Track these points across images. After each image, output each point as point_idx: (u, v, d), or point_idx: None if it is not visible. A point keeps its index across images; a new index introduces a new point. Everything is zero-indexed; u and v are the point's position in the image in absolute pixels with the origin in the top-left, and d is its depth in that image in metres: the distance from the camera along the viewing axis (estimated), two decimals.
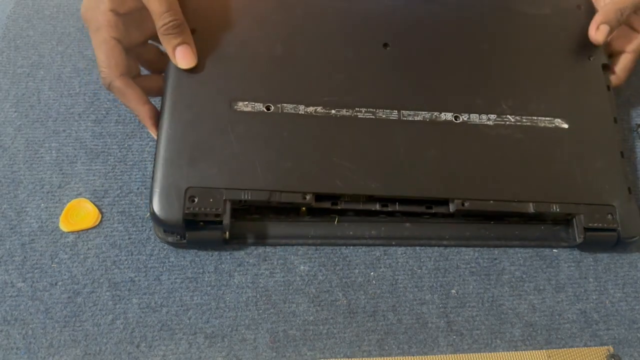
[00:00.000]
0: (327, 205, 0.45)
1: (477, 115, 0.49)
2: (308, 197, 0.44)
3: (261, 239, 0.46)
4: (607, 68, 0.53)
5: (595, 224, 0.46)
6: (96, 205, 0.47)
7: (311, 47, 0.49)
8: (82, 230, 0.46)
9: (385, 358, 0.43)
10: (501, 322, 0.45)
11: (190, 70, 0.46)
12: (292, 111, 0.46)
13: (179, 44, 0.45)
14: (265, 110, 0.46)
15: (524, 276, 0.47)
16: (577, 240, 0.47)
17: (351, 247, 0.47)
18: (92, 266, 0.45)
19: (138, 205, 0.47)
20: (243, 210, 0.46)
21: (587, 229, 0.47)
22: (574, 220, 0.47)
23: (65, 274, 0.44)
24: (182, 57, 0.45)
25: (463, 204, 0.45)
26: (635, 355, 0.45)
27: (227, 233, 0.44)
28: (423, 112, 0.48)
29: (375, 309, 0.45)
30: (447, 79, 0.50)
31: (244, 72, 0.47)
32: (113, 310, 0.43)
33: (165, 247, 0.46)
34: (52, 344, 0.42)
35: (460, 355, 0.44)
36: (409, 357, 0.43)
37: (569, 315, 0.46)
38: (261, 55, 0.48)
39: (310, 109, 0.46)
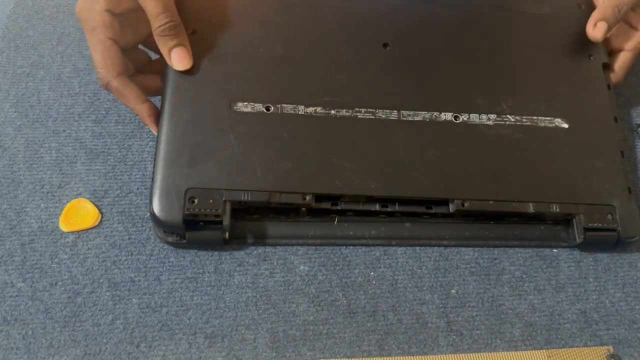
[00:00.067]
0: (327, 205, 0.45)
1: (477, 115, 0.48)
2: (308, 197, 0.44)
3: (261, 239, 0.46)
4: (608, 67, 0.53)
5: (595, 224, 0.46)
6: (96, 205, 0.47)
7: (311, 47, 0.49)
8: (82, 230, 0.46)
9: (385, 358, 0.43)
10: (501, 322, 0.45)
11: (190, 71, 0.46)
12: (292, 111, 0.46)
13: (174, 46, 0.45)
14: (265, 111, 0.46)
15: (524, 276, 0.47)
16: (577, 240, 0.47)
17: (351, 247, 0.47)
18: (92, 266, 0.45)
19: (138, 205, 0.47)
20: (243, 211, 0.46)
21: (587, 229, 0.47)
22: (574, 220, 0.47)
23: (65, 274, 0.44)
24: (178, 59, 0.45)
25: (463, 204, 0.45)
26: (635, 355, 0.45)
27: (227, 233, 0.44)
28: (423, 112, 0.48)
29: (375, 309, 0.45)
30: (447, 79, 0.50)
31: (243, 73, 0.47)
32: (113, 310, 0.43)
33: (165, 247, 0.46)
34: (52, 344, 0.42)
35: (460, 355, 0.44)
36: (409, 357, 0.43)
37: (569, 315, 0.46)
38: (261, 56, 0.48)
39: (310, 109, 0.46)
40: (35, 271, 0.44)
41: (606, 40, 0.53)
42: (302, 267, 0.46)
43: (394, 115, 0.47)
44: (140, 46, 0.49)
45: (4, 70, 0.53)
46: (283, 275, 0.46)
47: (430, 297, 0.46)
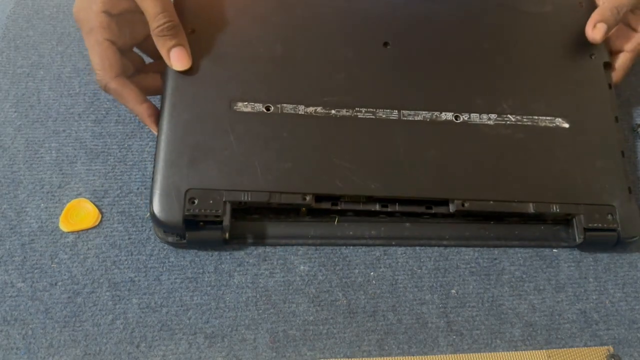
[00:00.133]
0: (327, 205, 0.45)
1: (478, 115, 0.48)
2: (308, 198, 0.44)
3: (261, 239, 0.46)
4: (609, 66, 0.52)
5: (595, 224, 0.46)
6: (96, 205, 0.47)
7: (311, 47, 0.49)
8: (82, 230, 0.46)
9: (385, 358, 0.43)
10: (501, 322, 0.45)
11: (190, 71, 0.46)
12: (292, 111, 0.46)
13: (173, 46, 0.45)
14: (265, 111, 0.46)
15: (524, 276, 0.47)
16: (577, 240, 0.47)
17: (351, 247, 0.47)
18: (92, 266, 0.45)
19: (138, 205, 0.47)
20: (243, 211, 0.46)
21: (587, 229, 0.47)
22: (574, 220, 0.47)
23: (65, 274, 0.44)
24: (177, 59, 0.45)
25: (463, 205, 0.45)
26: (635, 355, 0.45)
27: (227, 233, 0.44)
28: (423, 112, 0.48)
29: (375, 309, 0.45)
30: (447, 79, 0.50)
31: (243, 73, 0.47)
32: (113, 310, 0.43)
33: (165, 247, 0.46)
34: (52, 344, 0.42)
35: (460, 355, 0.44)
36: (409, 357, 0.43)
37: (569, 315, 0.46)
38: (261, 55, 0.47)
39: (310, 109, 0.46)
40: (35, 271, 0.44)
41: (606, 42, 0.53)
42: (302, 267, 0.46)
43: (394, 115, 0.47)
44: (135, 49, 0.49)
45: (4, 70, 0.53)
46: (283, 275, 0.46)
47: (430, 297, 0.46)
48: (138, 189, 0.48)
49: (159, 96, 0.47)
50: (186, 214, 0.42)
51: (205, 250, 0.46)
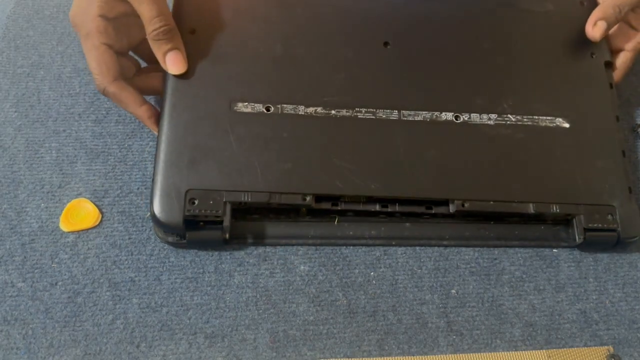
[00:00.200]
0: (327, 206, 0.45)
1: (478, 115, 0.48)
2: (308, 198, 0.44)
3: (261, 239, 0.46)
4: (610, 65, 0.52)
5: (595, 224, 0.46)
6: (96, 205, 0.47)
7: (311, 47, 0.49)
8: (82, 230, 0.46)
9: (385, 358, 0.43)
10: (501, 322, 0.45)
11: (190, 72, 0.46)
12: (292, 112, 0.46)
13: (169, 50, 0.44)
14: (265, 111, 0.46)
15: (524, 276, 0.47)
16: (577, 240, 0.47)
17: (351, 247, 0.47)
18: (92, 266, 0.45)
19: (138, 205, 0.47)
20: (243, 211, 0.46)
21: (587, 229, 0.47)
22: (574, 220, 0.47)
23: (65, 274, 0.44)
24: (173, 63, 0.45)
25: (463, 205, 0.45)
26: (635, 355, 0.45)
27: (227, 233, 0.44)
28: (423, 112, 0.48)
29: (375, 309, 0.45)
30: (447, 78, 0.50)
31: (243, 73, 0.47)
32: (113, 310, 0.43)
33: (165, 247, 0.46)
34: (52, 344, 0.42)
35: (460, 355, 0.44)
36: (409, 357, 0.43)
37: (569, 315, 0.46)
38: (261, 56, 0.47)
39: (310, 109, 0.46)
40: (36, 271, 0.44)
41: (606, 40, 0.53)
42: (302, 267, 0.46)
43: (394, 115, 0.47)
44: (131, 53, 0.49)
45: (4, 70, 0.53)
46: (283, 275, 0.46)
47: (430, 297, 0.46)
48: (138, 189, 0.48)
49: (158, 96, 0.47)
50: (186, 214, 0.42)
51: (206, 250, 0.46)
